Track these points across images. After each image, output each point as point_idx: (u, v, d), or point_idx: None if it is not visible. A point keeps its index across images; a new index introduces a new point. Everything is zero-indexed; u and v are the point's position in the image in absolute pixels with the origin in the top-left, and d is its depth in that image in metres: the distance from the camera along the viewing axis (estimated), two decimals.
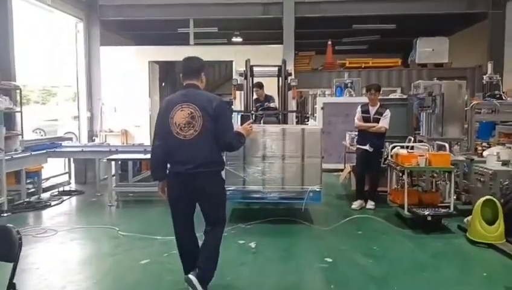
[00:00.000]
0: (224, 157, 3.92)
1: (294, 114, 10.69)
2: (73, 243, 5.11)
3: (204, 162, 3.30)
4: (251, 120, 4.72)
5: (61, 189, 8.06)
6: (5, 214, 6.19)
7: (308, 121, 12.91)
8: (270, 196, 5.59)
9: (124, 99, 13.18)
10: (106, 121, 13.41)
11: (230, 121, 3.64)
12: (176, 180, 3.37)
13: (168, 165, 3.42)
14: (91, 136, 13.33)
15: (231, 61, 13.14)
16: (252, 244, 4.95)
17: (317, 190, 5.58)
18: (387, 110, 6.57)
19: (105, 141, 13.23)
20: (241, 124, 4.62)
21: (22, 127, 8.80)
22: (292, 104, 8.71)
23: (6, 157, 6.40)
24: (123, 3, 13.06)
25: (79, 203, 7.32)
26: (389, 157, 6.36)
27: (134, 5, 13.04)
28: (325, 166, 8.46)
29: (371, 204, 6.57)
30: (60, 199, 7.29)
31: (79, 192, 7.93)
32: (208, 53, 13.89)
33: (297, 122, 10.26)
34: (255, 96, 8.00)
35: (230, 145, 3.48)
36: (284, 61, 7.72)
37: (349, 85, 10.87)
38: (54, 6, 11.45)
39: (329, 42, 14.01)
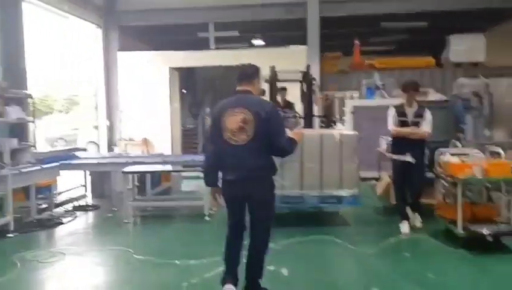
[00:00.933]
0: None
1: (319, 119, 10.10)
2: (82, 269, 4.55)
3: (256, 168, 3.31)
4: (301, 125, 4.48)
5: (76, 204, 7.58)
6: (11, 235, 5.68)
7: (335, 125, 12.19)
8: (309, 201, 5.69)
9: (143, 107, 12.77)
10: (126, 129, 13.00)
11: (283, 126, 3.56)
12: (228, 187, 3.41)
13: (220, 173, 3.44)
14: (110, 145, 12.94)
15: None
16: (284, 271, 4.29)
17: (355, 193, 5.74)
18: (428, 111, 5.58)
19: (126, 150, 12.86)
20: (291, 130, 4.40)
21: (34, 138, 8.39)
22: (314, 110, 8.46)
23: (13, 172, 5.91)
24: (141, 9, 12.64)
25: (93, 219, 6.81)
26: (436, 166, 5.60)
27: (153, 10, 12.61)
28: None
29: (418, 221, 5.68)
30: (73, 215, 6.79)
31: (94, 207, 7.42)
32: (228, 57, 13.35)
33: (322, 128, 9.62)
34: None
35: (284, 150, 3.44)
36: (308, 66, 7.43)
37: (380, 86, 10.11)
38: (72, 13, 11.12)
39: (357, 42, 13.23)
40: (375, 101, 9.80)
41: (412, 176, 5.54)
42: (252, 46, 15.87)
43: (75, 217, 6.72)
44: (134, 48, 13.46)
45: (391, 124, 5.58)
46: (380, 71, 12.12)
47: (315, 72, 12.06)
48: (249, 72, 3.53)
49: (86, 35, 12.82)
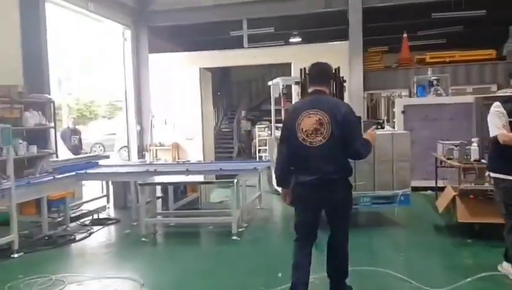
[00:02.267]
0: None
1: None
2: None
3: (332, 170, 3.19)
4: (375, 126, 4.25)
5: (95, 216, 6.91)
6: (16, 255, 5.02)
7: (381, 128, 11.03)
8: (362, 202, 5.64)
9: (174, 110, 12.14)
10: (156, 134, 12.41)
11: (359, 128, 3.47)
12: (302, 190, 3.28)
13: (294, 174, 3.33)
14: (141, 151, 12.38)
15: (289, 64, 11.61)
16: None
17: (407, 193, 5.74)
18: None
19: (156, 156, 12.30)
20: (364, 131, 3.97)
21: (56, 145, 7.86)
22: None
23: (19, 184, 5.27)
24: (172, 8, 12.00)
25: (109, 236, 6.07)
26: None
27: (184, 8, 11.91)
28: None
29: None
30: (88, 231, 6.09)
31: (114, 220, 6.72)
32: (264, 56, 12.52)
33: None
34: (285, 104, 8.17)
35: (360, 153, 3.30)
36: (338, 68, 7.12)
37: (435, 83, 8.91)
38: (98, 13, 10.61)
39: (405, 35, 12.00)
40: (429, 99, 8.63)
41: None
42: (289, 44, 14.91)
43: (90, 233, 6.02)
44: (164, 50, 12.86)
45: (500, 128, 3.73)
46: (431, 66, 10.89)
47: (358, 70, 11.04)
48: (324, 72, 3.44)
49: (116, 37, 12.35)
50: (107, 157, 8.15)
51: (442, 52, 11.75)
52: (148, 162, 10.09)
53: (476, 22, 12.60)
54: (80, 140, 10.70)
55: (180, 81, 12.10)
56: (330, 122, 3.15)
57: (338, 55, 10.79)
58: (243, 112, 18.25)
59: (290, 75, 10.77)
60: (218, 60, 12.37)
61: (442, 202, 5.52)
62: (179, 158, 12.26)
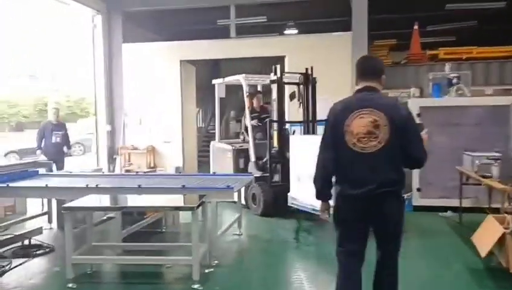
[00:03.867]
0: None
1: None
2: None
3: (388, 182, 2.74)
4: (427, 129, 3.26)
5: (26, 242, 5.33)
6: None
7: None
8: None
9: (151, 109, 10.62)
10: (130, 136, 10.87)
11: (420, 133, 2.86)
12: (350, 204, 2.83)
13: (337, 185, 2.90)
14: (111, 154, 10.83)
15: (283, 57, 10.08)
16: None
17: (410, 197, 5.97)
18: None
19: (129, 161, 10.80)
20: None
21: None
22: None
23: None
24: None
25: (29, 274, 4.44)
26: None
27: None
28: (424, 202, 6.64)
29: None
30: (5, 265, 4.53)
31: (46, 249, 5.15)
32: (254, 48, 10.93)
33: None
34: (250, 105, 7.86)
35: (421, 161, 2.85)
36: (310, 68, 6.99)
37: (455, 81, 7.43)
38: None
39: (415, 27, 10.53)
40: (450, 101, 7.14)
41: None
42: (284, 35, 13.39)
43: (3, 271, 4.44)
44: (141, 40, 11.30)
45: None
46: (446, 63, 9.44)
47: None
48: (377, 66, 2.95)
49: (85, 24, 10.82)
50: (50, 165, 6.56)
51: (458, 48, 10.28)
52: (116, 169, 8.59)
53: (492, 16, 11.18)
54: (64, 137, 8.93)
55: (158, 76, 10.58)
56: (389, 125, 2.69)
57: (339, 48, 9.42)
58: (232, 112, 16.67)
59: (284, 69, 9.28)
60: (202, 51, 10.80)
61: (484, 241, 3.98)
62: (154, 164, 10.75)
